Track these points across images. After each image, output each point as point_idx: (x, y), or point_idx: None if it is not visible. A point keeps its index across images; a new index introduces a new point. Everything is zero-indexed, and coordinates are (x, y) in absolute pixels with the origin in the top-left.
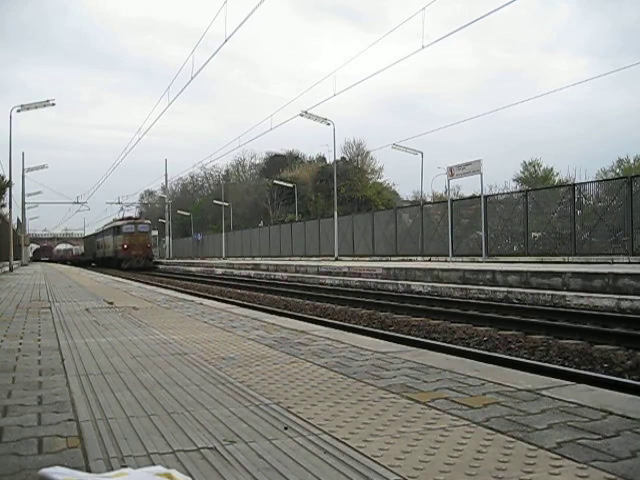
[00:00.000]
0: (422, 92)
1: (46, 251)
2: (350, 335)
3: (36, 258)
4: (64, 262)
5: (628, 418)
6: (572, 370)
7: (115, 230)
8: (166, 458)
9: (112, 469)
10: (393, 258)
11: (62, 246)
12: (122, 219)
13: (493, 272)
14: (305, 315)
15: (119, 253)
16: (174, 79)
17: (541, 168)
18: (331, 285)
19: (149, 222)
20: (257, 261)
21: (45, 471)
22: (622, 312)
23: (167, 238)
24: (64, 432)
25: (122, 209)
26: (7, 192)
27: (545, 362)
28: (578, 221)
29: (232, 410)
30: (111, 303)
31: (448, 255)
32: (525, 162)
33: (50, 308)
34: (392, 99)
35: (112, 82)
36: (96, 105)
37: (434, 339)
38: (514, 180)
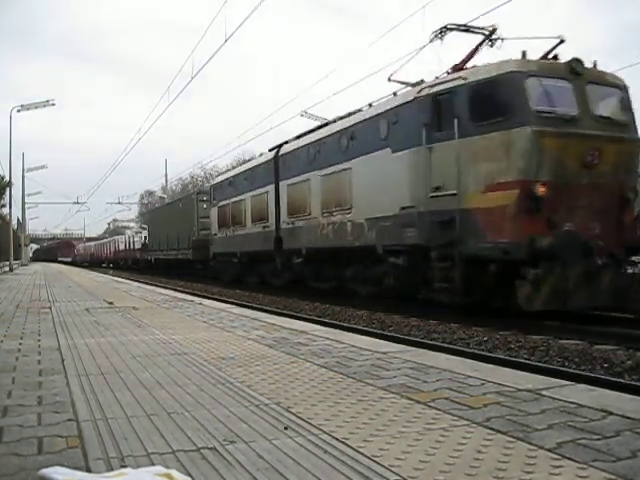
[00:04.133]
0: None
1: (64, 249)
2: (350, 335)
3: (47, 258)
4: (98, 264)
5: (628, 418)
6: (572, 370)
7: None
8: (166, 458)
9: (112, 469)
10: None
11: (89, 241)
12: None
13: None
14: (305, 315)
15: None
16: (174, 79)
17: None
18: None
19: None
20: None
21: (45, 471)
22: (622, 312)
23: None
24: (64, 432)
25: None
26: (7, 192)
27: (545, 362)
28: None
29: (232, 410)
30: (111, 303)
31: None
32: None
33: (50, 308)
34: None
35: (111, 82)
36: (96, 105)
37: (434, 339)
38: None
